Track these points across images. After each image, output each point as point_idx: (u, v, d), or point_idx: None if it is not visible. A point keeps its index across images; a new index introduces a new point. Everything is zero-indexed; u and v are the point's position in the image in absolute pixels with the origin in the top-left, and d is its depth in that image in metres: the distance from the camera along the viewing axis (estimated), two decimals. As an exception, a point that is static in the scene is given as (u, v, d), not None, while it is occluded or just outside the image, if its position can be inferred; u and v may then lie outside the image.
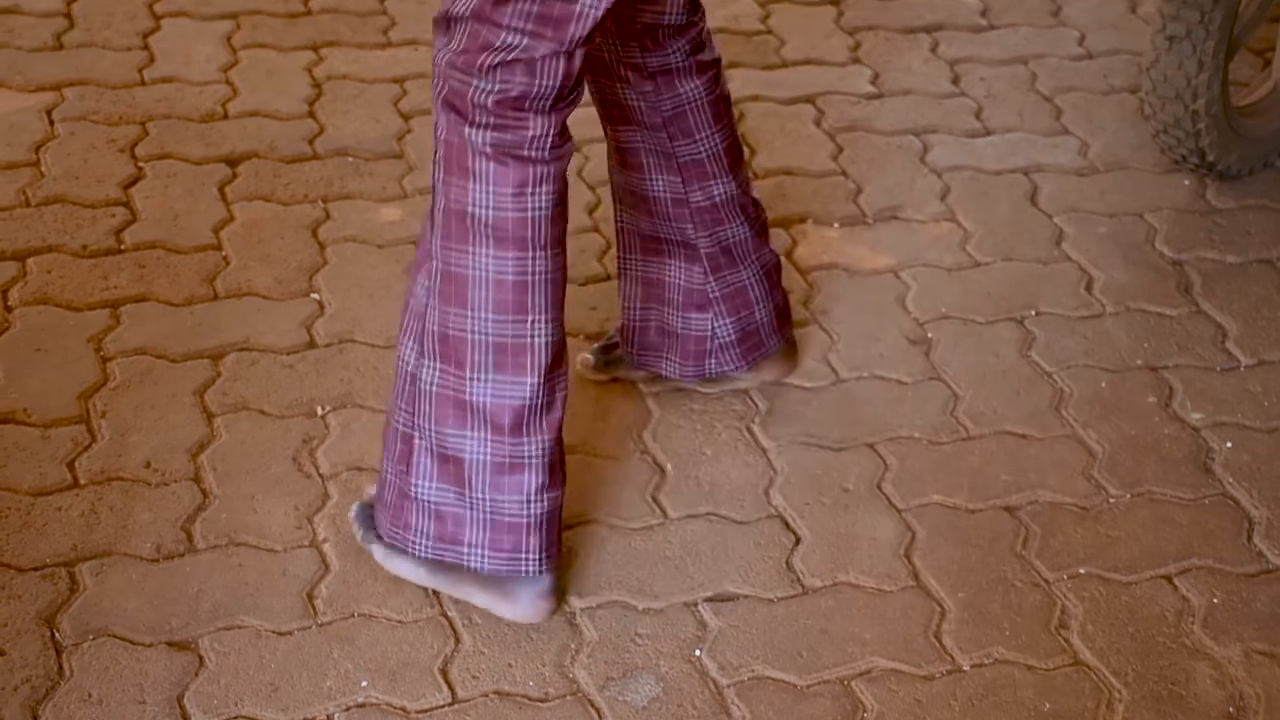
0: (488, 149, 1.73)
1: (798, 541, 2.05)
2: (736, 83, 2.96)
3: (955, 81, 3.01)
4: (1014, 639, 1.93)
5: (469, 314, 1.78)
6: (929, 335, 2.41)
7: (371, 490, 2.03)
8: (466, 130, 1.74)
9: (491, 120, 1.73)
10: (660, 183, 2.07)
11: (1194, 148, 2.63)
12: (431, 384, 1.83)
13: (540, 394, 1.82)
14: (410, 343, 1.85)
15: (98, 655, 1.85)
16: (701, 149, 2.05)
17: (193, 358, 2.29)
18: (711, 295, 2.15)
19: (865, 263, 2.55)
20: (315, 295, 2.42)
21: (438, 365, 1.82)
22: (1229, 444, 2.23)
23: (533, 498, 1.85)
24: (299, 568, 1.97)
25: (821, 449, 2.19)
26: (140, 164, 2.67)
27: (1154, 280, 2.53)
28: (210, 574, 1.96)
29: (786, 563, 2.02)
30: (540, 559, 1.87)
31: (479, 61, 1.71)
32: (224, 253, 2.49)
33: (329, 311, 2.39)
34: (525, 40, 1.69)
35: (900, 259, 2.56)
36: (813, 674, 1.88)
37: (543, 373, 1.81)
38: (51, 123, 2.76)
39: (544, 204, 1.76)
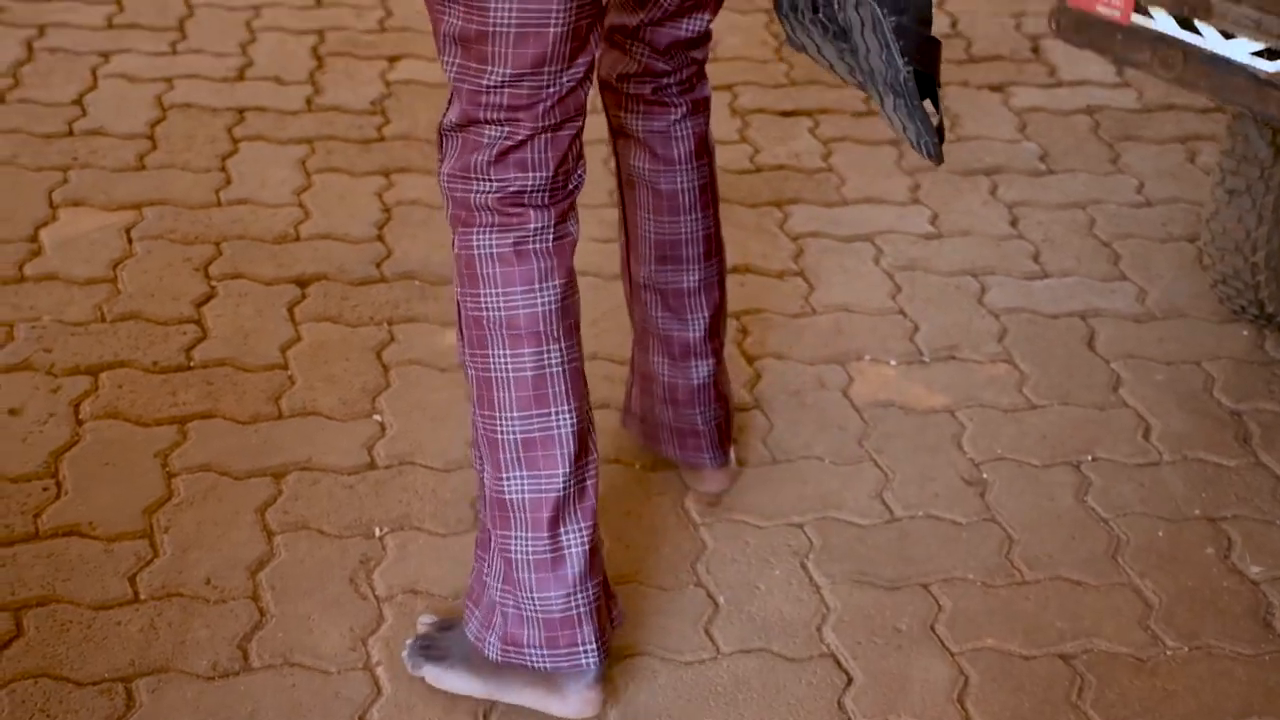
0: (494, 251, 1.83)
1: (850, 681, 2.04)
2: (797, 218, 3.01)
3: (1014, 224, 3.04)
4: (1068, 791, 1.91)
5: (497, 415, 1.87)
6: (984, 476, 2.41)
7: (425, 619, 2.06)
8: (474, 237, 1.84)
9: (495, 219, 1.83)
10: (623, 222, 2.22)
11: (1253, 299, 2.64)
12: (488, 489, 1.91)
13: (572, 483, 1.88)
14: (475, 452, 1.96)
15: (150, 772, 1.86)
16: (633, 223, 2.17)
17: (256, 475, 2.32)
18: (632, 358, 2.29)
19: (921, 401, 2.56)
20: (378, 417, 2.46)
21: (488, 470, 1.90)
22: (1288, 598, 2.21)
23: (577, 588, 1.89)
24: (352, 690, 1.98)
25: (875, 587, 2.19)
26: (213, 283, 2.74)
27: (1212, 429, 2.53)
28: (264, 694, 1.97)
29: (838, 703, 2.01)
30: (596, 648, 1.92)
31: (472, 163, 1.82)
32: (290, 372, 2.54)
33: (390, 433, 2.42)
34: (505, 129, 1.80)
35: (956, 399, 2.57)
36: (863, 819, 1.86)
37: (572, 462, 1.87)
38: (130, 241, 2.84)
39: (553, 297, 1.85)
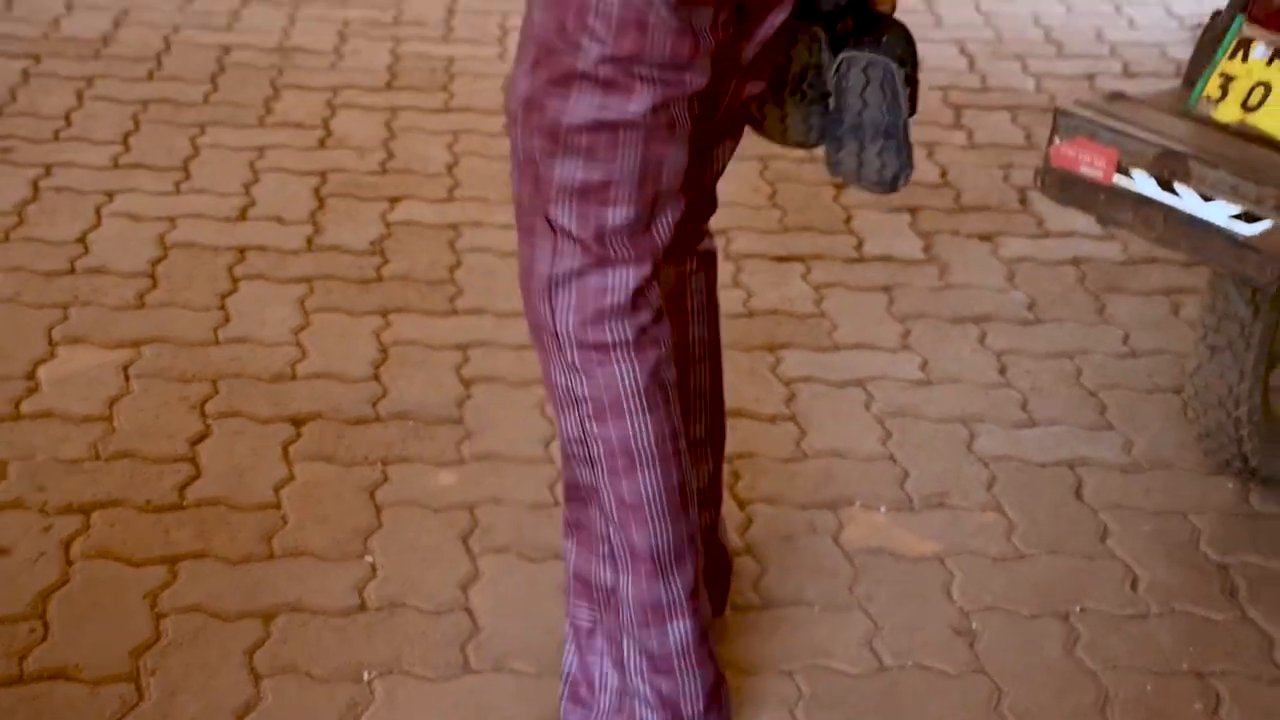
0: (640, 384, 1.92)
1: (838, 837, 2.02)
2: (789, 363, 3.05)
3: (1002, 372, 3.08)
4: None
5: (650, 530, 1.95)
6: (973, 626, 2.41)
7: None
8: (616, 372, 1.91)
9: (633, 353, 1.92)
10: None
11: (1237, 453, 2.67)
12: (628, 592, 1.98)
13: (699, 567, 2.03)
14: (603, 563, 2.01)
15: None
16: None
17: (246, 616, 2.32)
18: None
19: (911, 549, 2.57)
20: (369, 558, 2.46)
21: (629, 577, 1.98)
22: (1278, 756, 2.20)
23: (714, 649, 2.05)
24: (335, 841, 1.97)
25: (864, 740, 2.18)
26: (209, 421, 2.76)
27: (1199, 582, 2.54)
28: (246, 843, 1.95)
29: None
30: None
31: (607, 307, 1.90)
32: (283, 512, 2.55)
33: (381, 575, 2.43)
34: (633, 268, 1.90)
35: (946, 546, 2.58)
36: None
37: (702, 540, 2.01)
38: (127, 378, 2.87)
39: (677, 412, 1.96)
